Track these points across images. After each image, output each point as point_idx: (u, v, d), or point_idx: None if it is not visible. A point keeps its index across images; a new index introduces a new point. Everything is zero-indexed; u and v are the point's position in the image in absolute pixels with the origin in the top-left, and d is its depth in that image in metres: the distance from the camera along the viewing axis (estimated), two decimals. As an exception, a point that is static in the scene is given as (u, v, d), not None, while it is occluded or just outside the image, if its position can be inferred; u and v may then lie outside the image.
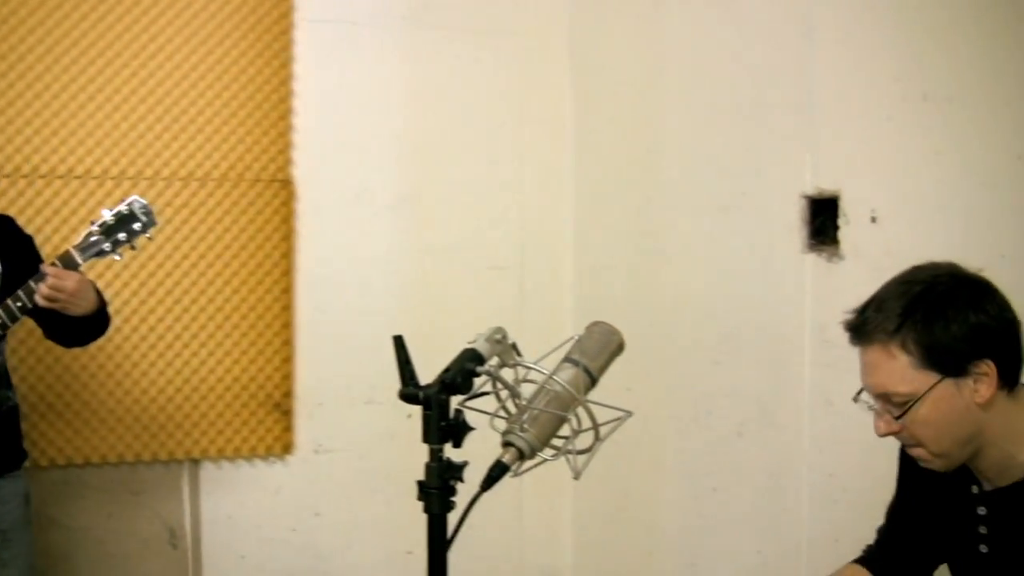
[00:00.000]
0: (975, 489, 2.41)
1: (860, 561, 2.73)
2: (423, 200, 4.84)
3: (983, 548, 2.41)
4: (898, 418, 2.26)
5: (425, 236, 4.85)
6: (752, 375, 4.05)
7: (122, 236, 3.41)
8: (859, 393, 2.37)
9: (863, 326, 2.27)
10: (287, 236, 4.54)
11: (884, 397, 2.28)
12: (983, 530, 2.41)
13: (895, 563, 2.68)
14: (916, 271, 2.32)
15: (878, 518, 2.73)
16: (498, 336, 2.02)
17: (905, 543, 2.66)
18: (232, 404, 4.52)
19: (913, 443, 2.32)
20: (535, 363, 2.04)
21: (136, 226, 3.42)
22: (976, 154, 3.25)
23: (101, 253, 3.40)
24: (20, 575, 3.55)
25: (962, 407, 2.24)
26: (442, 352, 2.05)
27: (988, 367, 2.22)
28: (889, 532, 2.72)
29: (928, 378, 2.21)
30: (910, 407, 2.24)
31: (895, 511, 2.70)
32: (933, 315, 2.20)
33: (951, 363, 2.21)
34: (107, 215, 3.41)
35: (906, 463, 2.50)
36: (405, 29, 4.81)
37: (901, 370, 2.22)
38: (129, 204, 3.43)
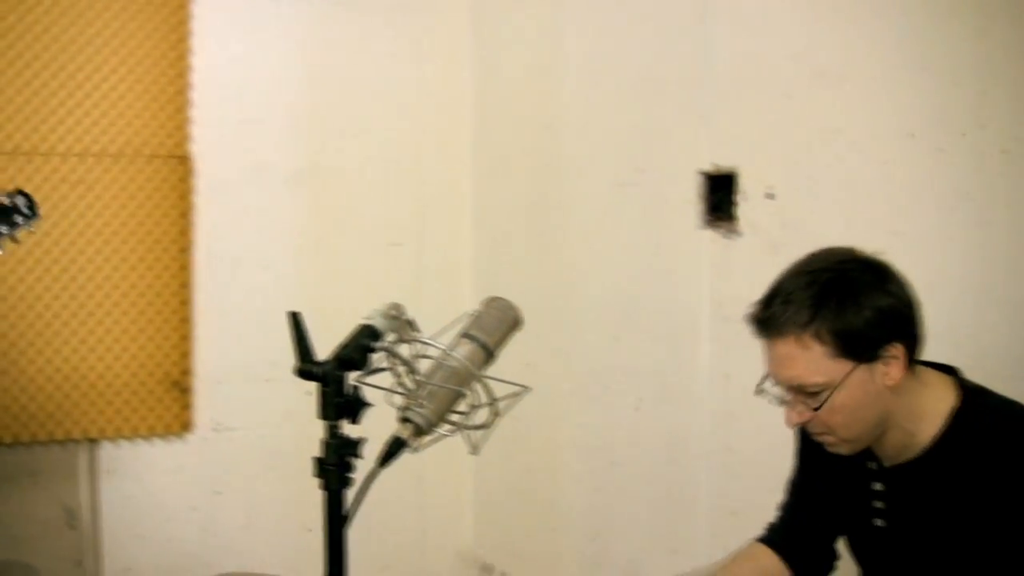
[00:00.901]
0: (872, 465, 2.44)
1: (763, 540, 2.77)
2: (321, 176, 4.81)
3: (879, 523, 2.45)
4: (816, 409, 2.28)
5: (324, 212, 4.83)
6: (650, 350, 4.08)
7: (3, 229, 3.32)
8: (761, 384, 2.38)
9: (772, 320, 2.27)
10: (185, 212, 4.50)
11: (797, 388, 2.30)
12: (879, 505, 2.45)
13: (797, 539, 2.71)
14: (815, 259, 2.32)
15: (776, 491, 2.77)
16: (394, 312, 2.01)
17: (806, 519, 2.70)
18: (130, 383, 4.48)
19: (823, 431, 2.34)
20: (432, 339, 2.04)
21: (18, 219, 3.32)
22: (870, 132, 3.29)
23: None
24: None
25: (874, 392, 2.27)
26: (341, 329, 2.04)
27: (898, 350, 2.25)
28: (790, 508, 2.75)
29: (843, 366, 2.23)
30: (827, 397, 2.26)
31: (795, 487, 2.73)
32: (845, 303, 2.22)
33: (865, 349, 2.24)
34: None
35: (805, 439, 2.53)
36: (303, 3, 4.77)
37: (816, 361, 2.24)
38: (11, 197, 3.33)
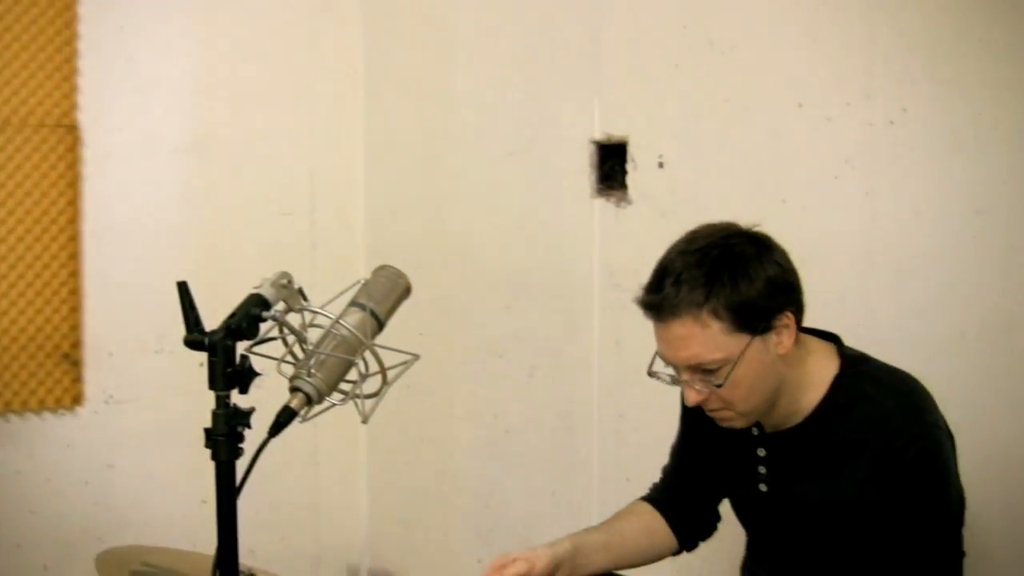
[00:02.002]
0: (755, 431, 2.48)
1: (647, 499, 2.80)
2: (212, 146, 4.76)
3: (762, 487, 2.49)
4: (718, 386, 2.30)
5: (214, 182, 4.77)
6: (543, 318, 4.10)
7: None
8: (653, 365, 2.40)
9: (665, 302, 2.28)
10: (73, 183, 4.43)
11: (695, 367, 2.32)
12: (762, 470, 2.49)
13: (679, 500, 2.75)
14: (697, 236, 2.33)
15: (666, 457, 2.81)
16: (284, 281, 2.00)
17: (688, 481, 2.74)
18: (19, 356, 4.41)
19: (721, 406, 2.37)
20: (321, 308, 2.03)
21: None
22: (758, 101, 3.33)
23: None
24: None
25: (769, 362, 2.30)
26: (233, 300, 2.03)
27: (788, 318, 2.29)
28: (673, 471, 2.79)
29: (740, 340, 2.26)
30: (727, 373, 2.28)
31: (678, 451, 2.77)
32: (737, 277, 2.24)
33: (759, 321, 2.26)
34: None
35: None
36: (192, -28, 4.73)
37: (714, 337, 2.26)
38: None
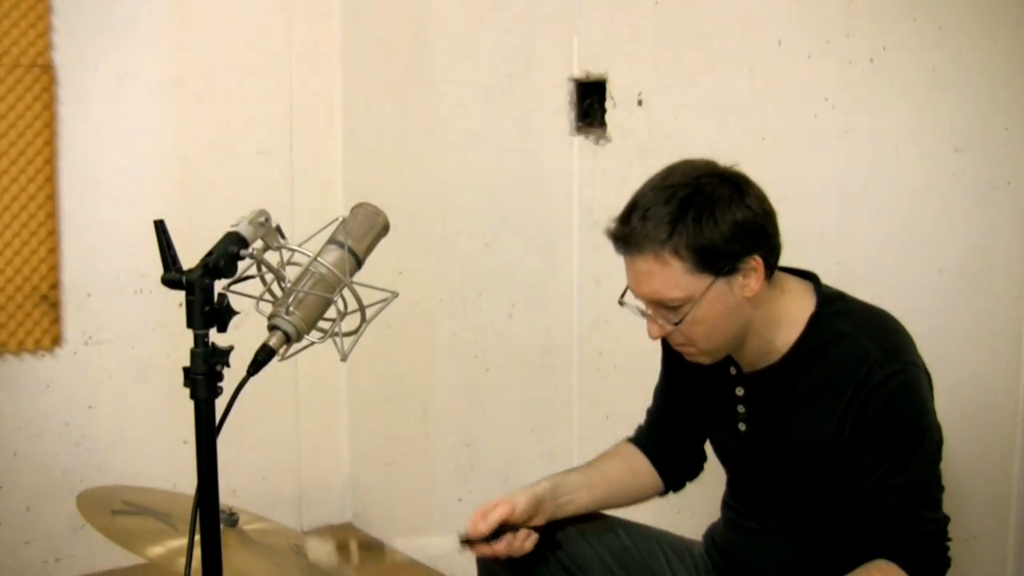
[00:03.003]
0: (733, 371, 2.49)
1: (632, 441, 2.82)
2: (188, 85, 4.74)
3: (741, 426, 2.50)
4: (676, 323, 2.30)
5: (191, 121, 4.75)
6: (522, 257, 4.10)
7: None
8: (623, 297, 2.40)
9: (631, 236, 2.28)
10: (48, 123, 4.40)
11: (657, 303, 2.32)
12: (740, 409, 2.50)
13: (665, 441, 2.76)
14: (672, 173, 2.32)
15: (646, 394, 2.82)
16: (261, 219, 1.99)
17: (672, 422, 2.75)
18: (-4, 298, 4.41)
19: (684, 342, 2.37)
20: (299, 245, 2.03)
21: None
22: (738, 38, 3.32)
23: None
24: None
25: (733, 304, 2.30)
26: (211, 239, 2.02)
27: (756, 262, 2.28)
28: (656, 412, 2.80)
29: (702, 281, 2.25)
30: (687, 311, 2.29)
31: (660, 392, 2.78)
32: (702, 218, 2.22)
33: (723, 263, 2.25)
34: None
35: (669, 346, 2.55)
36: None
37: (675, 276, 2.25)
38: None
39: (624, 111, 3.64)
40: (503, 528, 2.51)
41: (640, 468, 2.76)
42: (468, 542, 2.51)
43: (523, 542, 2.53)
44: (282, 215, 2.10)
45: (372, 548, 2.53)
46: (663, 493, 2.80)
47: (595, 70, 3.73)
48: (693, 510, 3.20)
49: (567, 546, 2.65)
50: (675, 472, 2.78)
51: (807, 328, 2.37)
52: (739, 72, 3.30)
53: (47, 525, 4.64)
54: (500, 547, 2.51)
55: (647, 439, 2.79)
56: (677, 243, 2.23)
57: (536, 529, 2.55)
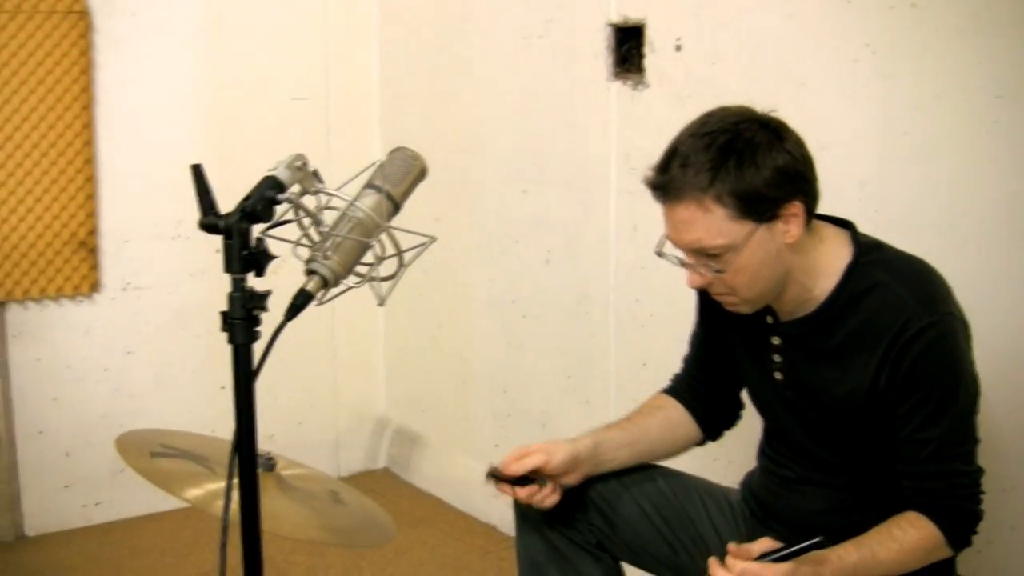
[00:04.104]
0: (769, 319, 2.47)
1: (668, 391, 2.81)
2: (224, 30, 4.73)
3: (777, 375, 2.49)
4: (719, 271, 2.29)
5: (227, 67, 4.75)
6: (559, 203, 4.09)
7: None
8: (661, 246, 2.39)
9: (671, 184, 2.26)
10: (85, 70, 4.41)
11: (699, 251, 2.30)
12: (776, 358, 2.49)
13: (701, 391, 2.75)
14: (710, 120, 2.29)
15: (683, 342, 2.81)
16: (299, 163, 1.98)
17: (709, 371, 2.74)
18: (36, 244, 4.42)
19: (725, 291, 2.36)
20: (336, 190, 2.02)
21: None
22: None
23: None
24: None
25: (774, 251, 2.28)
26: (247, 185, 2.02)
27: (796, 207, 2.26)
28: (692, 361, 2.79)
29: (744, 227, 2.24)
30: (729, 259, 2.27)
31: (696, 340, 2.77)
32: (744, 163, 2.20)
33: (765, 209, 2.23)
34: None
35: (704, 294, 2.54)
36: None
37: (717, 223, 2.23)
38: None
39: (662, 56, 3.62)
40: (533, 475, 2.52)
41: (678, 420, 2.75)
42: (496, 477, 2.52)
43: (545, 497, 2.54)
44: (319, 160, 2.09)
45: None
46: (701, 443, 2.79)
47: (633, 15, 3.70)
48: (730, 458, 3.19)
49: (604, 493, 2.66)
50: (713, 421, 2.78)
51: (844, 277, 2.36)
52: (778, 17, 3.26)
53: (87, 470, 4.68)
54: (522, 493, 2.53)
55: (685, 389, 2.78)
56: (719, 190, 2.21)
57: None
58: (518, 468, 2.51)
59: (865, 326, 2.32)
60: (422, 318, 4.90)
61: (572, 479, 2.58)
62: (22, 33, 4.27)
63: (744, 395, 2.73)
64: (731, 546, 2.28)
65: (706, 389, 2.75)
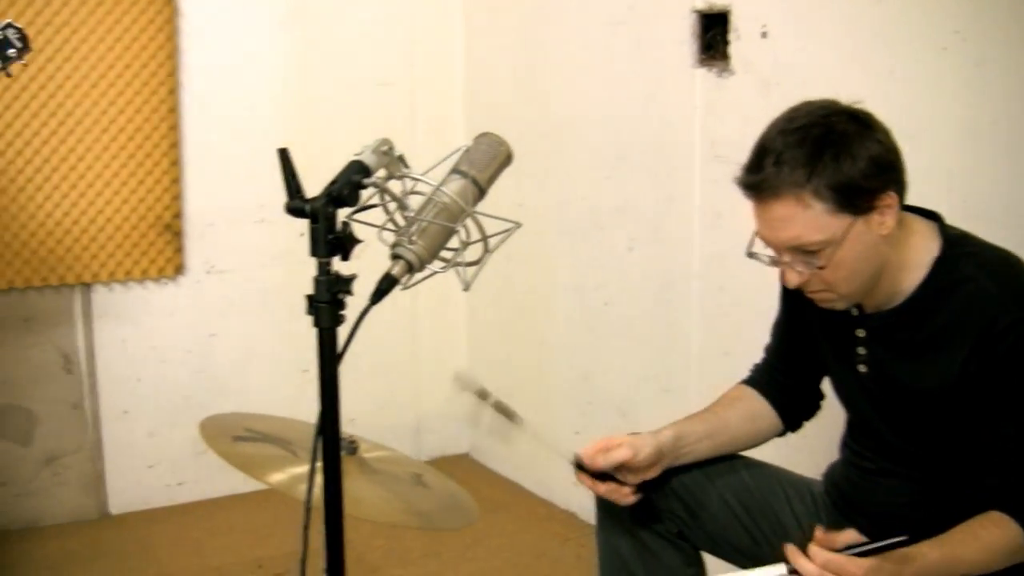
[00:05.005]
0: (854, 311, 2.44)
1: (748, 382, 2.79)
2: (310, 15, 4.76)
3: (861, 368, 2.46)
4: (820, 268, 2.26)
5: (312, 52, 4.78)
6: (643, 190, 4.07)
7: None
8: (751, 246, 2.36)
9: (765, 182, 2.23)
10: (171, 55, 4.45)
11: (797, 248, 2.28)
12: (861, 351, 2.46)
13: (781, 381, 2.73)
14: (797, 114, 2.27)
15: (766, 331, 2.78)
16: (384, 148, 1.98)
17: (791, 361, 2.72)
18: (122, 227, 4.48)
19: (823, 288, 2.33)
20: (422, 175, 2.02)
21: (11, 52, 3.22)
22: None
23: None
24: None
25: (871, 243, 2.25)
26: (331, 170, 2.02)
27: (891, 198, 2.23)
28: (773, 351, 2.77)
29: (842, 221, 2.21)
30: (830, 254, 2.25)
31: (779, 330, 2.74)
32: (840, 156, 2.18)
33: (862, 201, 2.21)
34: None
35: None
36: None
37: (817, 218, 2.20)
38: (2, 29, 3.23)
39: (748, 43, 3.59)
40: (615, 469, 2.51)
41: (759, 411, 2.73)
42: (579, 466, 2.52)
43: (624, 497, 2.53)
44: (402, 146, 2.09)
45: (508, 415, 2.53)
46: (781, 433, 2.77)
47: (718, 1, 3.67)
48: (812, 449, 3.16)
49: (687, 482, 2.65)
50: (793, 412, 2.75)
51: (932, 270, 2.32)
52: (866, 3, 3.22)
53: (170, 450, 4.74)
54: (601, 488, 2.53)
55: (766, 379, 2.76)
56: (817, 184, 2.18)
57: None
58: (604, 462, 2.50)
59: (953, 320, 2.28)
60: (504, 303, 4.90)
61: (653, 472, 2.57)
62: (109, 18, 4.31)
63: (825, 386, 2.71)
64: (818, 531, 2.25)
65: (787, 379, 2.73)
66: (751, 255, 2.36)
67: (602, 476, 2.52)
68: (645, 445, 2.53)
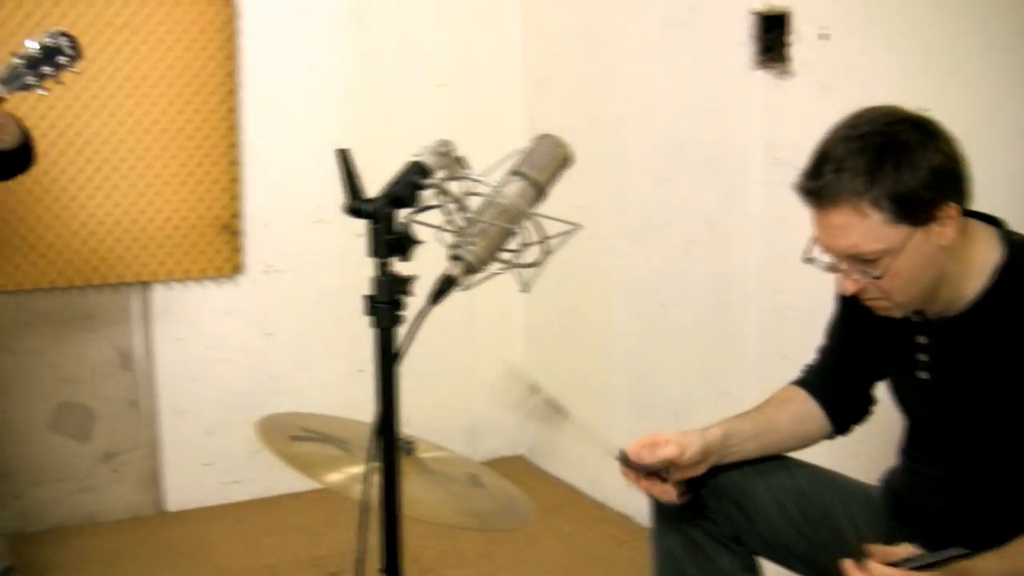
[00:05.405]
0: (916, 318, 2.42)
1: (799, 383, 2.76)
2: (368, 16, 4.77)
3: (923, 375, 2.44)
4: (876, 277, 2.24)
5: (370, 53, 4.80)
6: (701, 192, 4.06)
7: (47, 69, 3.18)
8: (809, 252, 2.34)
9: (824, 189, 2.21)
10: (231, 54, 4.48)
11: (854, 257, 2.26)
12: (923, 358, 2.43)
13: (832, 383, 2.71)
14: (860, 121, 2.24)
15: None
16: (444, 148, 1.99)
17: (844, 364, 2.69)
18: (180, 226, 4.51)
19: (879, 296, 2.31)
20: (482, 176, 2.02)
21: (62, 60, 3.23)
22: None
23: (26, 87, 3.23)
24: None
25: (929, 254, 2.23)
26: (387, 171, 2.03)
27: (952, 209, 2.21)
28: (827, 352, 2.74)
29: (900, 232, 2.19)
30: (886, 265, 2.23)
31: (833, 331, 2.72)
32: (901, 166, 2.15)
33: (921, 212, 2.19)
34: (32, 47, 3.19)
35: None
36: None
37: (875, 228, 2.19)
38: (53, 37, 3.21)
39: (807, 45, 3.56)
40: (661, 465, 2.50)
41: (808, 413, 2.71)
42: (625, 462, 2.50)
43: (668, 495, 2.52)
44: (459, 147, 2.09)
45: (557, 411, 2.52)
46: (830, 436, 2.74)
47: (778, 2, 3.65)
48: (870, 454, 3.14)
49: (743, 486, 2.63)
50: (844, 415, 2.72)
51: (996, 276, 2.30)
52: (927, 4, 3.19)
53: (225, 448, 4.77)
54: (645, 483, 2.51)
55: (817, 381, 2.74)
56: (877, 194, 2.16)
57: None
58: (650, 458, 2.49)
59: (1016, 327, 2.26)
60: (560, 305, 4.90)
61: (699, 470, 2.56)
62: (169, 19, 4.35)
63: (877, 391, 2.68)
64: (873, 547, 2.23)
65: (839, 382, 2.70)
66: (808, 260, 2.34)
67: (649, 473, 2.50)
68: (692, 443, 2.52)
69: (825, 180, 2.21)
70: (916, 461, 2.57)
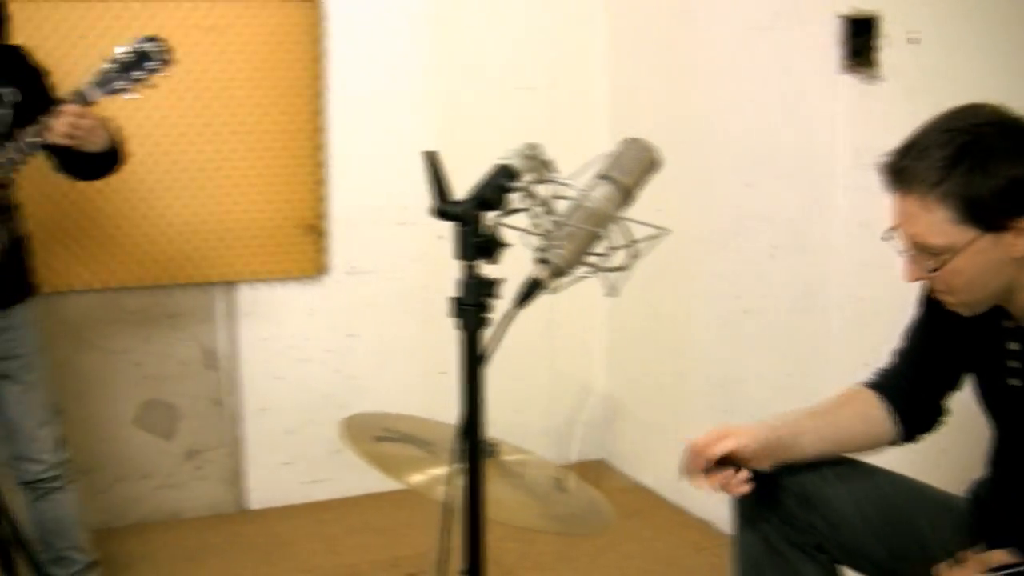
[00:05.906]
0: (1008, 324, 2.38)
1: (869, 385, 2.72)
2: (453, 18, 4.79)
3: (1014, 382, 2.40)
4: (933, 271, 2.23)
5: (455, 56, 4.81)
6: (785, 197, 4.03)
7: (138, 74, 3.26)
8: (890, 232, 2.33)
9: (902, 172, 2.21)
10: (317, 56, 4.51)
11: (919, 246, 2.25)
12: (1014, 365, 2.39)
13: (904, 388, 2.65)
14: (956, 116, 2.22)
15: (906, 343, 2.73)
16: (531, 152, 1.99)
17: (921, 369, 2.64)
18: (266, 227, 4.55)
19: (943, 289, 2.29)
20: (569, 179, 2.02)
21: (152, 65, 3.28)
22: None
23: (117, 91, 3.29)
24: (45, 396, 3.60)
25: (996, 261, 2.20)
26: (470, 173, 2.03)
27: None
28: (906, 355, 2.69)
29: (965, 233, 2.17)
30: (946, 260, 2.21)
31: (913, 334, 2.67)
32: (976, 169, 2.13)
33: (991, 219, 2.16)
34: (123, 51, 3.26)
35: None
36: None
37: (939, 223, 2.18)
38: (142, 43, 3.28)
39: (896, 50, 3.53)
40: (728, 457, 2.48)
41: (874, 416, 2.66)
42: (690, 469, 2.50)
43: (738, 485, 2.49)
44: (545, 151, 2.09)
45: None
46: (895, 443, 2.69)
47: (866, 6, 3.62)
48: (950, 465, 3.10)
49: (828, 495, 2.60)
50: (913, 422, 2.67)
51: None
52: (1019, 8, 3.15)
53: (307, 447, 4.80)
54: (712, 481, 2.49)
55: (890, 385, 2.68)
56: (945, 191, 2.15)
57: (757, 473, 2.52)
58: (714, 450, 2.47)
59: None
60: (642, 309, 4.88)
61: (764, 464, 2.53)
62: (255, 21, 4.38)
63: (951, 402, 2.64)
64: (967, 554, 2.20)
65: (912, 388, 2.65)
66: (887, 238, 2.32)
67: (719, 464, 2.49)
68: (756, 436, 2.50)
69: (904, 163, 2.21)
70: (1006, 471, 2.53)
